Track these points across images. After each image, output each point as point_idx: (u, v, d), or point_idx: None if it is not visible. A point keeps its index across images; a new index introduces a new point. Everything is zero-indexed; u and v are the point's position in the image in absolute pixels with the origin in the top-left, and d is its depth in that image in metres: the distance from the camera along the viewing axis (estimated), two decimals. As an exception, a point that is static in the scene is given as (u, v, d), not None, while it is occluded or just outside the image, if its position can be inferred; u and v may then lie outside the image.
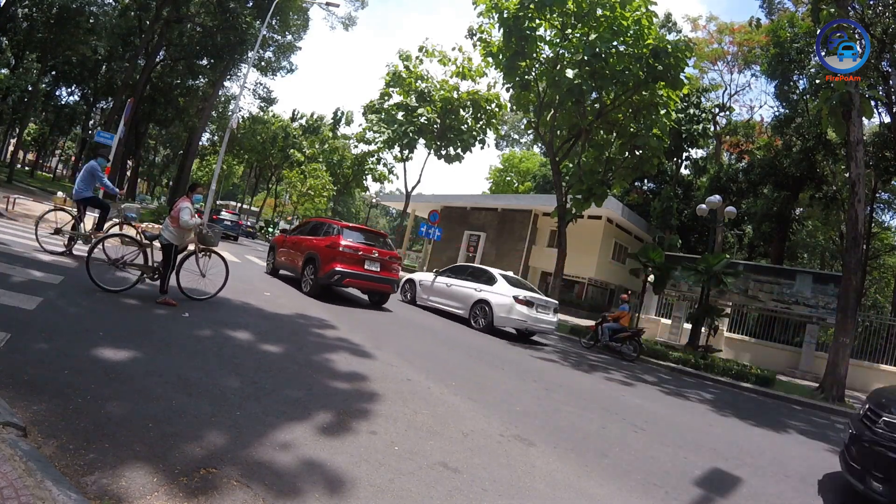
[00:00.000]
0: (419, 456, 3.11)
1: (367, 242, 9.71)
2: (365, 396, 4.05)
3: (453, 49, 23.53)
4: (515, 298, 10.10)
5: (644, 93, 14.58)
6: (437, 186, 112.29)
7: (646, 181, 32.30)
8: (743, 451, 5.06)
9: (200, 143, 38.00)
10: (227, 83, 35.14)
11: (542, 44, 15.17)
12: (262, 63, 33.46)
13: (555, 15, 14.40)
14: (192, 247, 6.35)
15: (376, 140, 26.56)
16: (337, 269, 8.93)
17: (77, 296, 5.23)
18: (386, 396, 4.15)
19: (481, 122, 25.33)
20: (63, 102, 42.14)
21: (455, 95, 24.59)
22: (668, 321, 18.05)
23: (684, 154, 29.31)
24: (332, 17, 33.18)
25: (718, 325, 14.81)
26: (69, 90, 41.39)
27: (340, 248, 9.08)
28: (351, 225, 10.13)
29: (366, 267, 9.26)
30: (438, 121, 24.43)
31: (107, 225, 8.15)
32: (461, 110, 25.02)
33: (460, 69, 23.77)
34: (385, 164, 32.84)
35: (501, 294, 10.32)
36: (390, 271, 9.77)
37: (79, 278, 6.01)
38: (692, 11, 72.24)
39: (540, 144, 34.45)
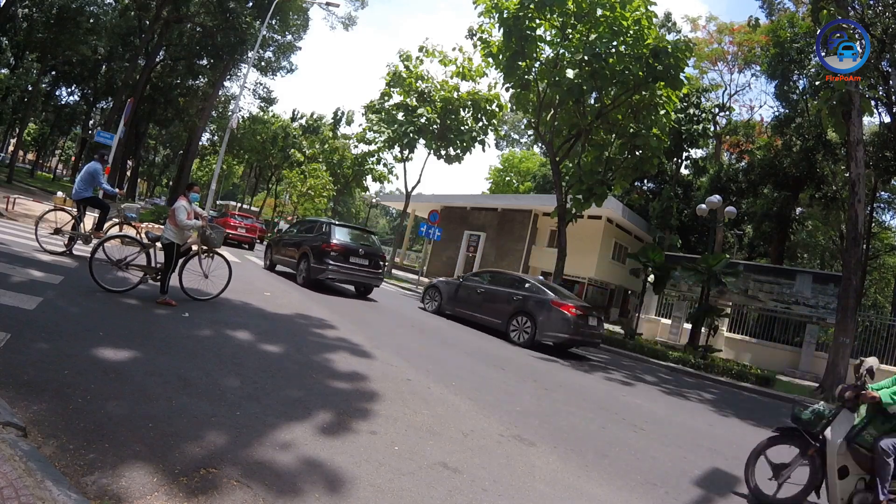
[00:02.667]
0: (419, 456, 3.11)
1: (239, 219, 20.03)
2: (365, 396, 4.05)
3: (454, 49, 23.48)
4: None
5: (644, 93, 14.57)
6: (437, 186, 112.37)
7: (646, 181, 32.29)
8: (743, 451, 5.04)
9: (200, 143, 37.99)
10: (227, 83, 35.18)
11: (542, 44, 15.16)
12: (262, 63, 33.45)
13: (555, 15, 14.39)
14: (195, 248, 6.36)
15: (376, 140, 26.54)
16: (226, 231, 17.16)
17: (77, 296, 5.23)
18: (386, 396, 4.15)
19: (481, 123, 25.30)
20: (63, 102, 42.14)
21: (455, 96, 24.56)
22: (668, 321, 18.06)
23: (684, 154, 29.30)
24: (332, 17, 33.16)
25: (718, 325, 14.81)
26: (69, 90, 41.40)
27: (230, 223, 19.13)
28: (236, 213, 23.07)
29: (238, 230, 19.33)
30: (438, 121, 24.40)
31: (106, 225, 8.16)
32: (461, 111, 24.98)
33: (460, 69, 23.73)
34: (385, 164, 32.80)
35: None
36: (252, 233, 20.16)
37: (79, 278, 6.01)
38: (692, 11, 72.25)
39: (540, 144, 34.47)
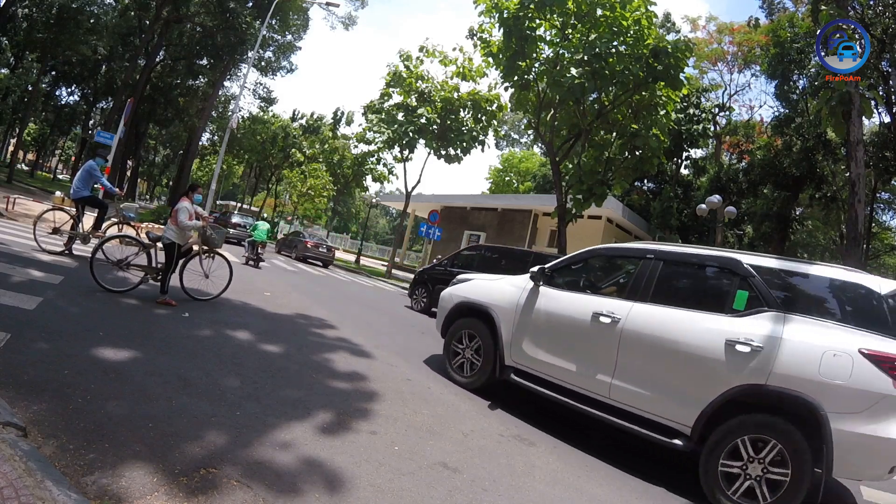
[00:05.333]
0: (419, 456, 3.11)
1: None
2: (365, 396, 4.05)
3: (454, 49, 23.45)
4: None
5: (644, 93, 14.57)
6: (437, 186, 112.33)
7: (646, 181, 32.28)
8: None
9: (200, 143, 37.99)
10: (227, 83, 35.16)
11: (542, 44, 15.16)
12: (262, 63, 33.47)
13: (555, 15, 14.39)
14: (196, 248, 6.37)
15: (376, 140, 26.53)
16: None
17: (77, 296, 5.23)
18: (386, 396, 4.15)
19: (481, 123, 25.29)
20: (63, 102, 42.14)
21: (455, 96, 24.54)
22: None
23: (684, 154, 29.31)
24: (332, 16, 33.16)
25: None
26: (69, 90, 41.40)
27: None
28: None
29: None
30: (438, 121, 24.38)
31: (105, 224, 8.16)
32: (461, 111, 24.96)
33: (461, 69, 23.72)
34: (385, 165, 32.81)
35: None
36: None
37: (79, 278, 6.01)
38: (692, 11, 72.24)
39: (540, 144, 34.44)
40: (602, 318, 4.00)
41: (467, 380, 5.00)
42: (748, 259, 3.77)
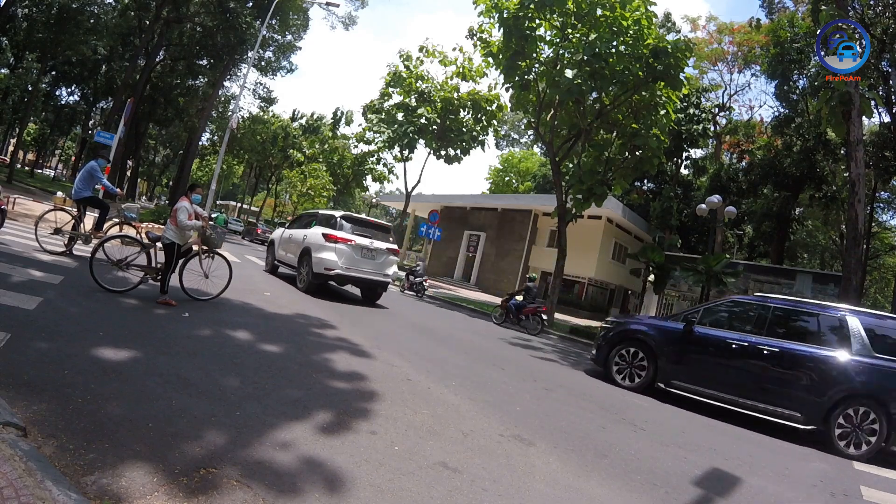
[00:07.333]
0: (419, 456, 3.11)
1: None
2: (365, 396, 4.05)
3: (454, 49, 23.51)
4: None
5: (644, 93, 14.56)
6: (437, 186, 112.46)
7: (646, 181, 32.32)
8: (743, 451, 5.06)
9: (200, 143, 38.01)
10: (227, 83, 35.18)
11: (542, 44, 15.15)
12: (262, 63, 33.48)
13: (555, 15, 14.38)
14: (196, 248, 6.36)
15: (376, 140, 26.55)
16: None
17: (77, 296, 5.23)
18: (386, 396, 4.15)
19: (482, 123, 25.30)
20: (63, 102, 42.16)
21: (455, 96, 24.55)
22: (668, 321, 18.05)
23: (684, 154, 29.32)
24: (332, 16, 33.21)
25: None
26: (69, 90, 41.43)
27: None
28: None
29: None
30: (438, 121, 24.39)
31: (106, 225, 8.16)
32: (461, 111, 24.97)
33: (461, 69, 23.75)
34: (385, 164, 32.80)
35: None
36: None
37: (79, 278, 6.01)
38: (692, 11, 72.26)
39: (540, 144, 34.46)
40: (293, 236, 10.69)
41: (267, 268, 12.03)
42: (338, 214, 9.97)
